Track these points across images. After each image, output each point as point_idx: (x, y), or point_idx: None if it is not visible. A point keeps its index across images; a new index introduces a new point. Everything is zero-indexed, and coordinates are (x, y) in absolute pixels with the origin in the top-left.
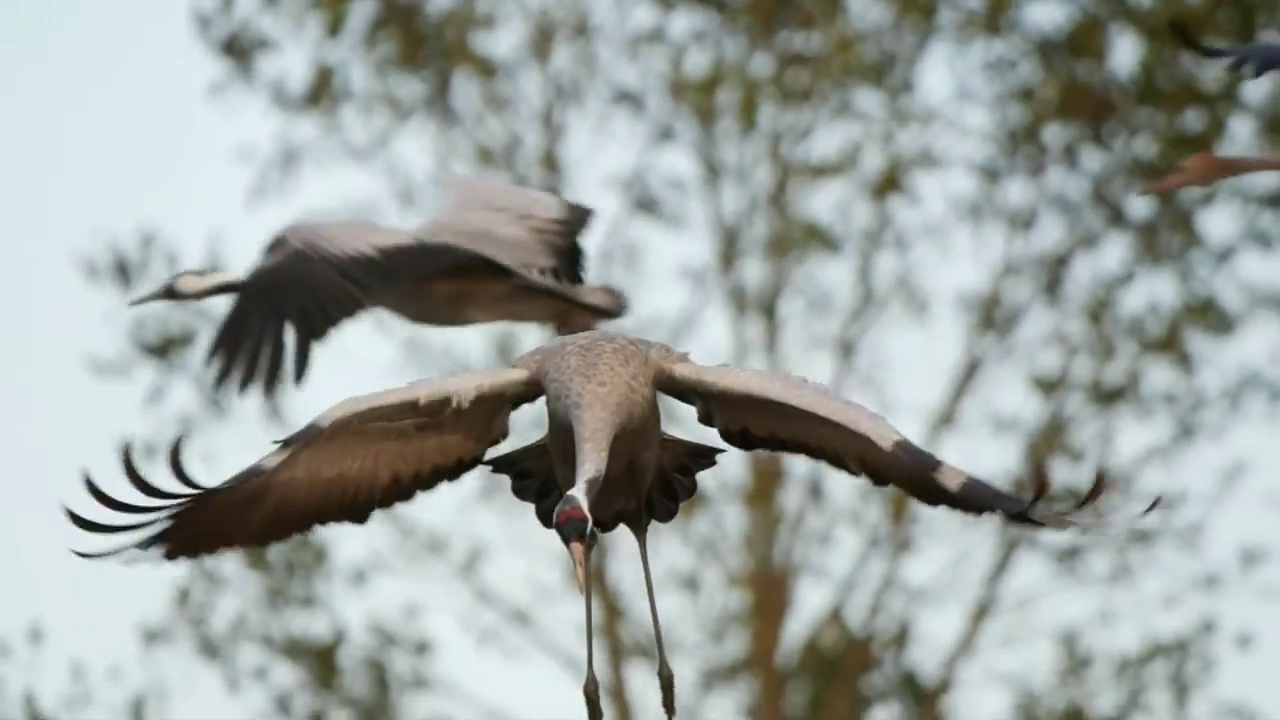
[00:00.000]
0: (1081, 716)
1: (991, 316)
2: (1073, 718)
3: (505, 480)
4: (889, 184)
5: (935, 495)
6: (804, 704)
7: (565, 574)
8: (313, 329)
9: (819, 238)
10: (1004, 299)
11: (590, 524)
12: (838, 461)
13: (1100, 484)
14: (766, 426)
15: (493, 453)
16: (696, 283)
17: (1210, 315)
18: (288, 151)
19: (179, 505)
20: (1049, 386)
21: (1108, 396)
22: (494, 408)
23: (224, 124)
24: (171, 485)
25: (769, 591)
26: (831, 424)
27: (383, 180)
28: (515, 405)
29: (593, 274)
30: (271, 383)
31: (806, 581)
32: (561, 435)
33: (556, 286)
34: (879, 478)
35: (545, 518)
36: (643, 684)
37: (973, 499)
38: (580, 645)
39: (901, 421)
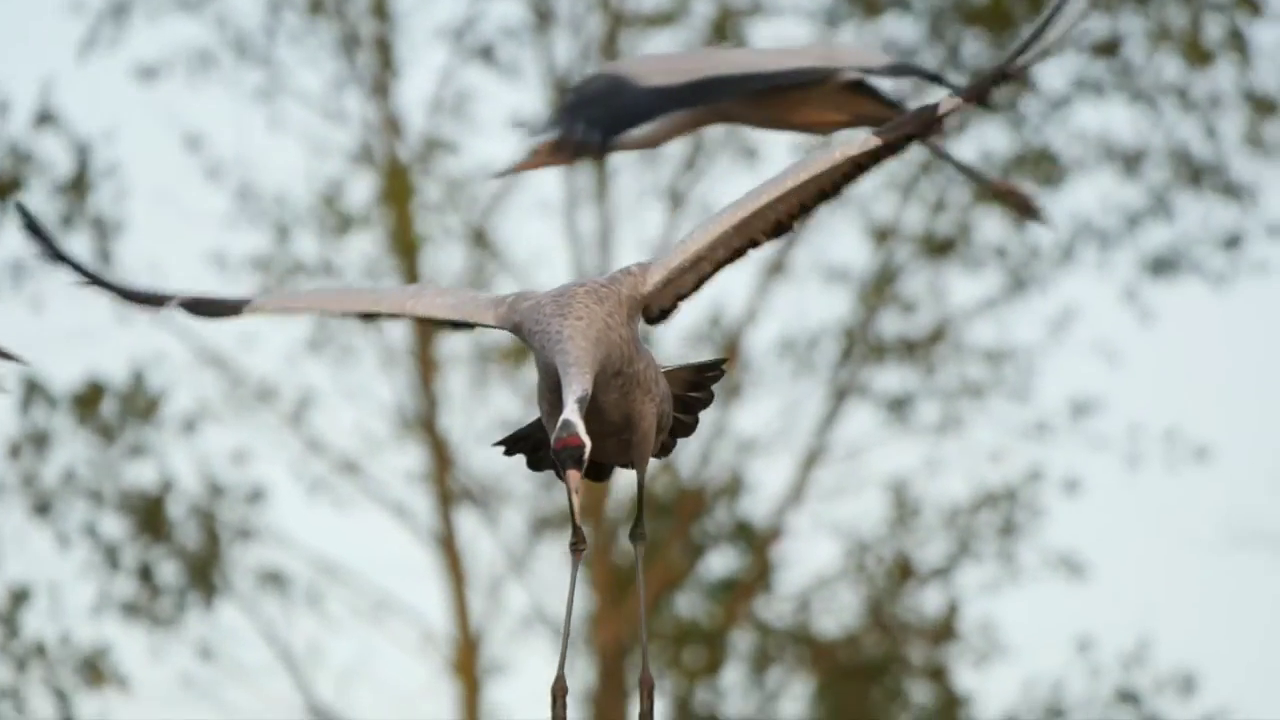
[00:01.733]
0: (910, 565)
1: None
2: (902, 566)
3: (334, 331)
4: (721, 33)
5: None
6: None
7: (394, 424)
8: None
9: None
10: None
11: (587, 448)
12: (822, 200)
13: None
14: (718, 256)
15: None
16: (528, 132)
17: (1043, 165)
18: (118, 3)
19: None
20: (881, 235)
21: (939, 247)
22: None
23: None
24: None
25: None
26: (814, 179)
27: (214, 31)
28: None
29: (419, 122)
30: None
31: None
32: (550, 382)
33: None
34: (869, 167)
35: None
36: (472, 532)
37: (975, 95)
38: (408, 492)
39: (729, 269)
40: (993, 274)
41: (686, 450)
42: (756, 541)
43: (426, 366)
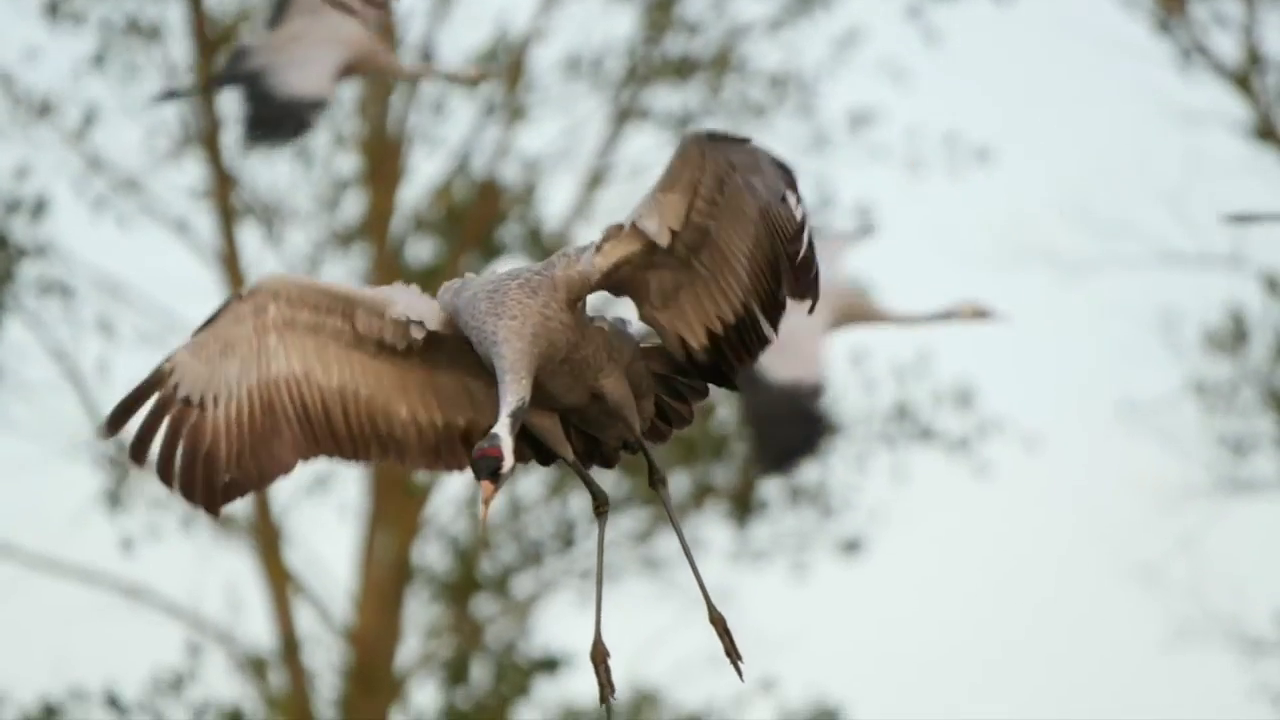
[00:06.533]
0: None
1: None
2: None
3: (118, 49)
4: None
5: None
6: (426, 262)
7: (174, 142)
8: None
9: None
10: None
11: (505, 464)
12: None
13: None
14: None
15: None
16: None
17: None
18: None
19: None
20: None
21: None
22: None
23: None
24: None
25: (383, 158)
26: None
27: None
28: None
29: None
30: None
31: (421, 149)
32: (491, 374)
33: None
34: None
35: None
36: (256, 251)
37: None
38: (194, 207)
39: None
40: None
41: (470, 170)
42: (546, 246)
43: (209, 82)
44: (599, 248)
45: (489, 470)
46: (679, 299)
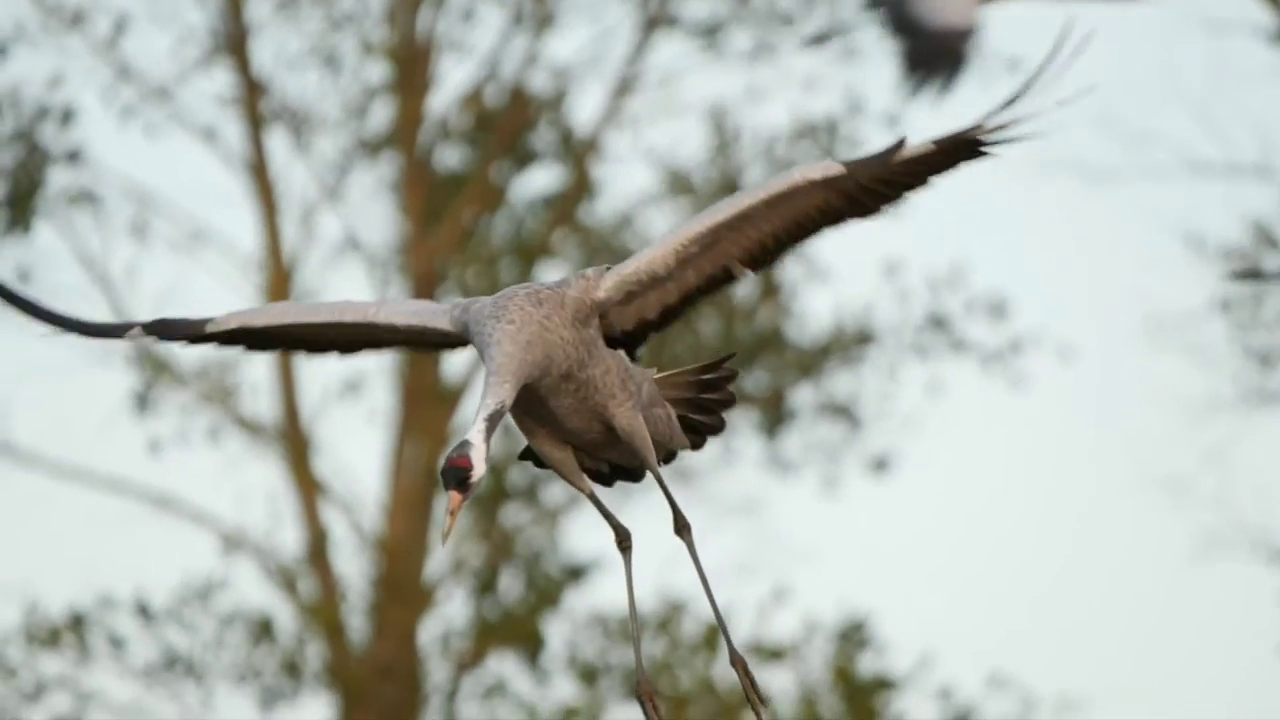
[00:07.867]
0: (736, 185)
1: None
2: (729, 187)
3: None
4: None
5: (905, 176)
6: (455, 169)
7: (203, 50)
8: None
9: None
10: None
11: (475, 474)
12: (795, 235)
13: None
14: (687, 279)
15: None
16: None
17: None
18: None
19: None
20: None
21: None
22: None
23: None
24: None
25: (412, 66)
26: (775, 200)
27: None
28: (436, 348)
29: None
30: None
31: (450, 57)
32: None
33: None
34: (843, 210)
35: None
36: (284, 160)
37: (948, 148)
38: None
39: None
40: None
41: (499, 80)
42: (576, 152)
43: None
44: (614, 272)
45: (457, 480)
46: (633, 302)
